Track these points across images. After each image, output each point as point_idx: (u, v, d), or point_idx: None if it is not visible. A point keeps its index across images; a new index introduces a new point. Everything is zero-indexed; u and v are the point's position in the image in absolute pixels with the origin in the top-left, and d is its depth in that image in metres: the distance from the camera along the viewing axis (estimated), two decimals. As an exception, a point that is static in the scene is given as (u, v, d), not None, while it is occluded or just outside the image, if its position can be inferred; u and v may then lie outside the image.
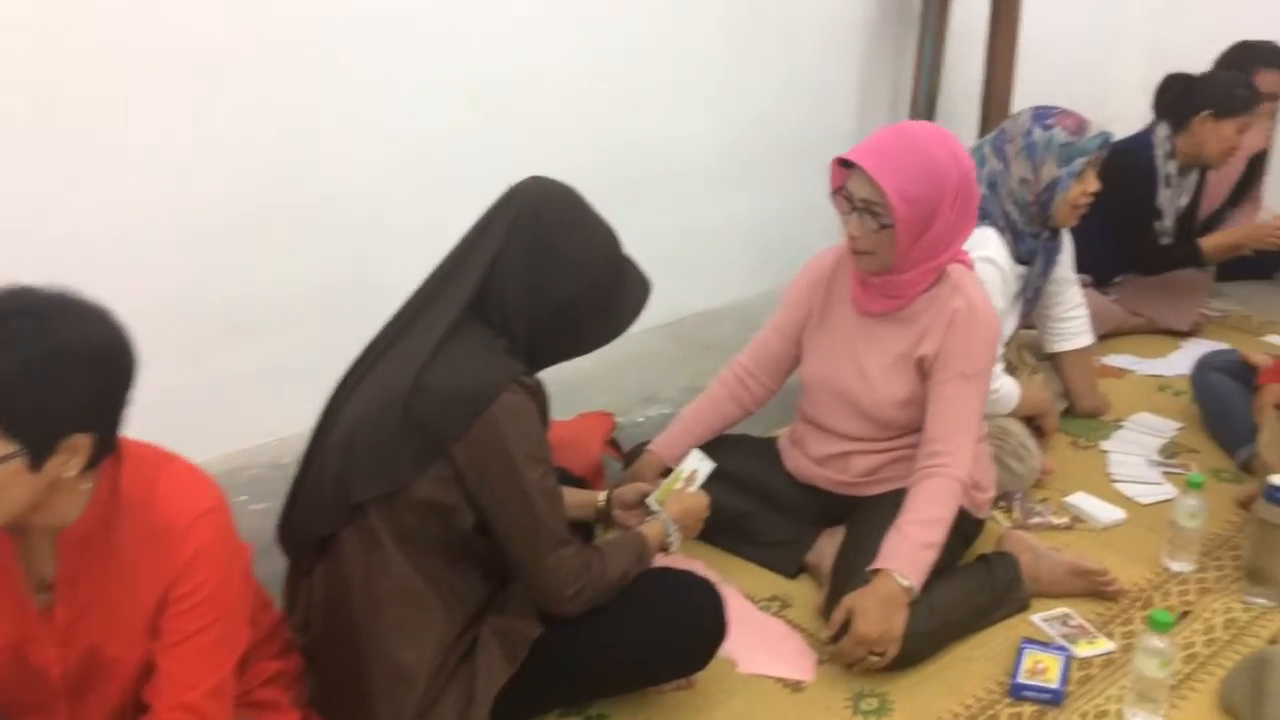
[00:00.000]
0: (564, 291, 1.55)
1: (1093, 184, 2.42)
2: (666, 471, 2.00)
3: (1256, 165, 3.74)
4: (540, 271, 1.54)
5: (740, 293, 3.41)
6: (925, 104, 3.51)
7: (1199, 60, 3.35)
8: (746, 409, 2.26)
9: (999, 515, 2.35)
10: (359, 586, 1.53)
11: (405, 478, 1.50)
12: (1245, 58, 3.47)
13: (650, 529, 1.77)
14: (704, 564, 2.14)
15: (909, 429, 2.05)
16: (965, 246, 2.18)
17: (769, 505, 2.19)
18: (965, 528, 2.05)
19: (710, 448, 2.12)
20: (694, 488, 1.93)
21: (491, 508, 1.52)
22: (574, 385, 2.62)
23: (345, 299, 2.44)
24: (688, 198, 3.24)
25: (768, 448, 2.28)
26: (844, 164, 1.91)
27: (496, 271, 1.54)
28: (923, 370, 1.99)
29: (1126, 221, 3.19)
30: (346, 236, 2.50)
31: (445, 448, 1.48)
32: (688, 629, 1.69)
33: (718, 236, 3.36)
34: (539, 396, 1.58)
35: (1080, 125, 2.39)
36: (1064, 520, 2.36)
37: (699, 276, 3.34)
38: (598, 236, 1.60)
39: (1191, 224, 3.37)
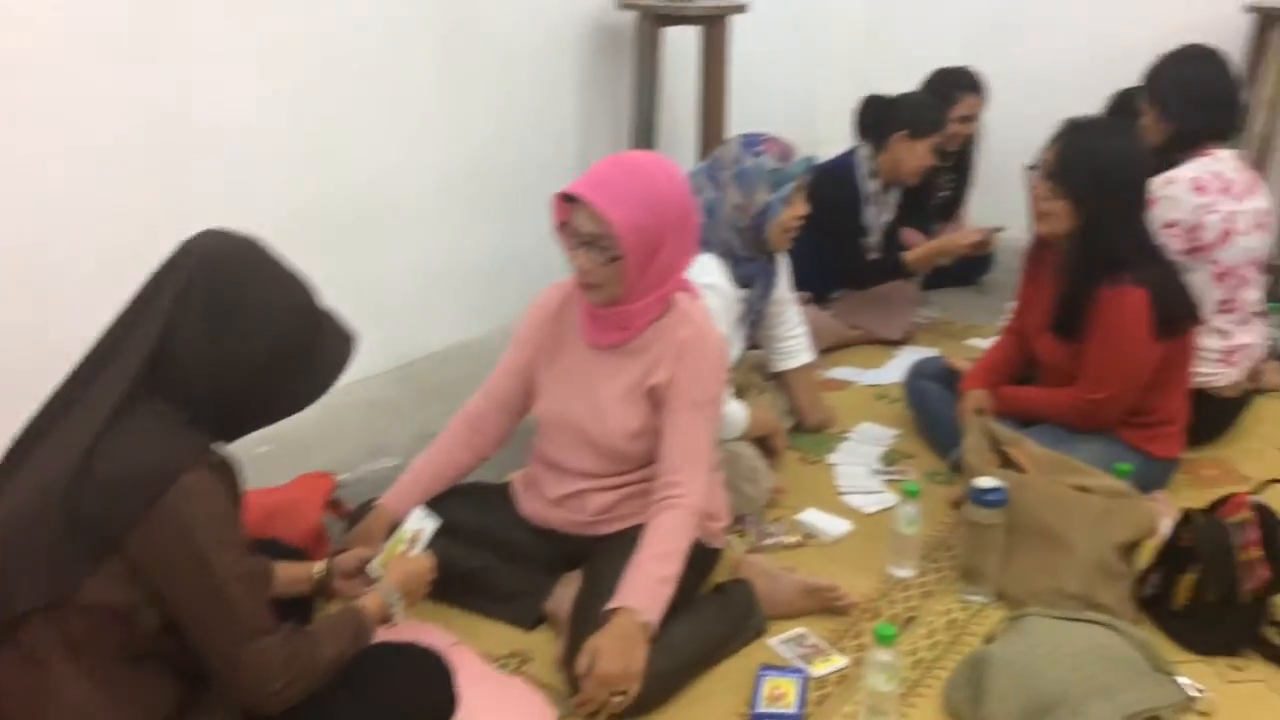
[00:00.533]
0: (251, 355, 1.41)
1: (801, 207, 2.50)
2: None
3: (961, 182, 4.03)
4: (222, 335, 1.39)
5: (472, 331, 3.33)
6: (644, 131, 3.56)
7: (897, 84, 3.57)
8: (481, 455, 2.18)
9: (734, 539, 2.37)
10: (23, 716, 1.33)
11: (71, 583, 1.31)
12: (946, 83, 3.74)
13: (370, 601, 1.65)
14: (439, 626, 2.04)
15: (642, 462, 2.03)
16: (687, 274, 2.21)
17: (504, 556, 2.11)
18: (701, 559, 2.05)
19: (440, 499, 2.04)
20: (418, 549, 1.83)
21: (178, 603, 1.36)
22: (292, 444, 2.46)
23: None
24: (408, 236, 3.13)
25: (501, 494, 2.21)
26: (567, 198, 1.87)
27: (171, 338, 1.37)
28: (655, 401, 1.98)
29: (837, 239, 3.35)
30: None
31: (117, 542, 1.31)
32: (413, 708, 1.59)
33: (444, 274, 3.27)
34: (227, 473, 1.44)
35: (786, 151, 2.47)
36: (796, 538, 2.41)
37: (427, 317, 3.24)
38: (286, 291, 1.47)
39: (895, 238, 3.58)
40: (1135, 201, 2.39)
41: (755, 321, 2.67)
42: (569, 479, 2.07)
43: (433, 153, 3.14)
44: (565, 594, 2.05)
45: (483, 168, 3.29)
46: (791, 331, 2.80)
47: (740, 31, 3.56)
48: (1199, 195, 2.61)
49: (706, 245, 2.45)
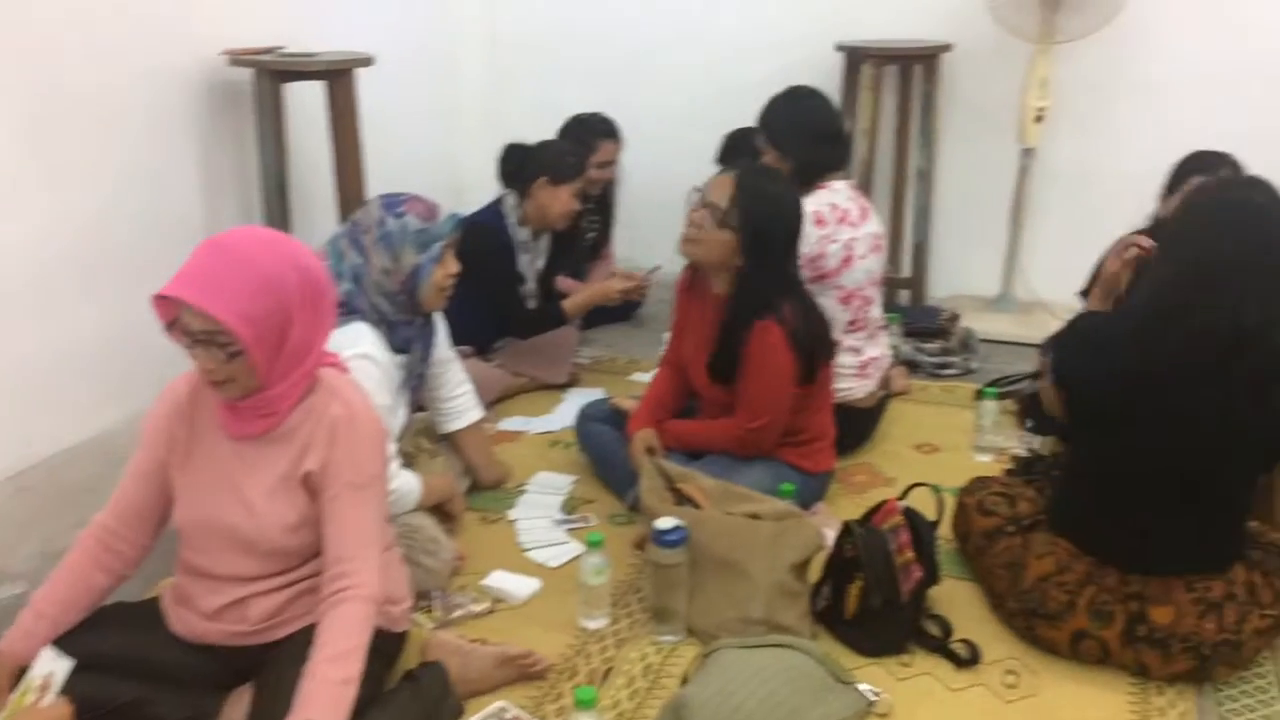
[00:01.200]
0: None
1: (453, 266, 2.44)
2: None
3: (605, 222, 4.13)
4: None
5: (99, 424, 2.98)
6: (276, 194, 3.36)
7: (535, 130, 3.59)
8: (119, 575, 1.92)
9: (421, 618, 2.26)
10: None
11: None
12: (584, 130, 3.82)
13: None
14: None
15: (308, 555, 1.86)
16: (338, 345, 2.05)
17: (160, 682, 1.86)
18: (385, 647, 1.92)
19: (73, 632, 1.79)
20: (50, 696, 1.58)
21: None
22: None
23: None
24: (12, 325, 2.75)
25: (148, 613, 1.95)
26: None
27: None
28: (311, 488, 1.82)
29: (495, 290, 3.32)
30: None
31: None
32: None
33: (62, 362, 2.91)
34: None
35: (431, 210, 2.39)
36: (485, 605, 2.33)
37: (45, 412, 2.86)
38: None
39: (551, 284, 3.61)
40: (791, 245, 2.52)
41: (417, 385, 2.56)
42: (225, 587, 1.87)
43: (24, 232, 2.78)
44: (236, 714, 1.85)
45: (92, 243, 2.96)
46: (456, 390, 2.72)
47: (368, 84, 3.44)
48: (819, 228, 2.81)
49: (356, 313, 2.33)
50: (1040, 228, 4.11)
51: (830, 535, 2.27)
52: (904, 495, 2.26)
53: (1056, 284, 3.88)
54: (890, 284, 4.33)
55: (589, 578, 2.23)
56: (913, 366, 3.63)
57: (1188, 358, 1.92)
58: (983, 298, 4.21)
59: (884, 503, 2.22)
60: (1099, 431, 2.10)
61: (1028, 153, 3.92)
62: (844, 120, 3.04)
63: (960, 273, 4.32)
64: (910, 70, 4.04)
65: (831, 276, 2.85)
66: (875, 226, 2.98)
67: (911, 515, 2.19)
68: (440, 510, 2.54)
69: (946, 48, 3.95)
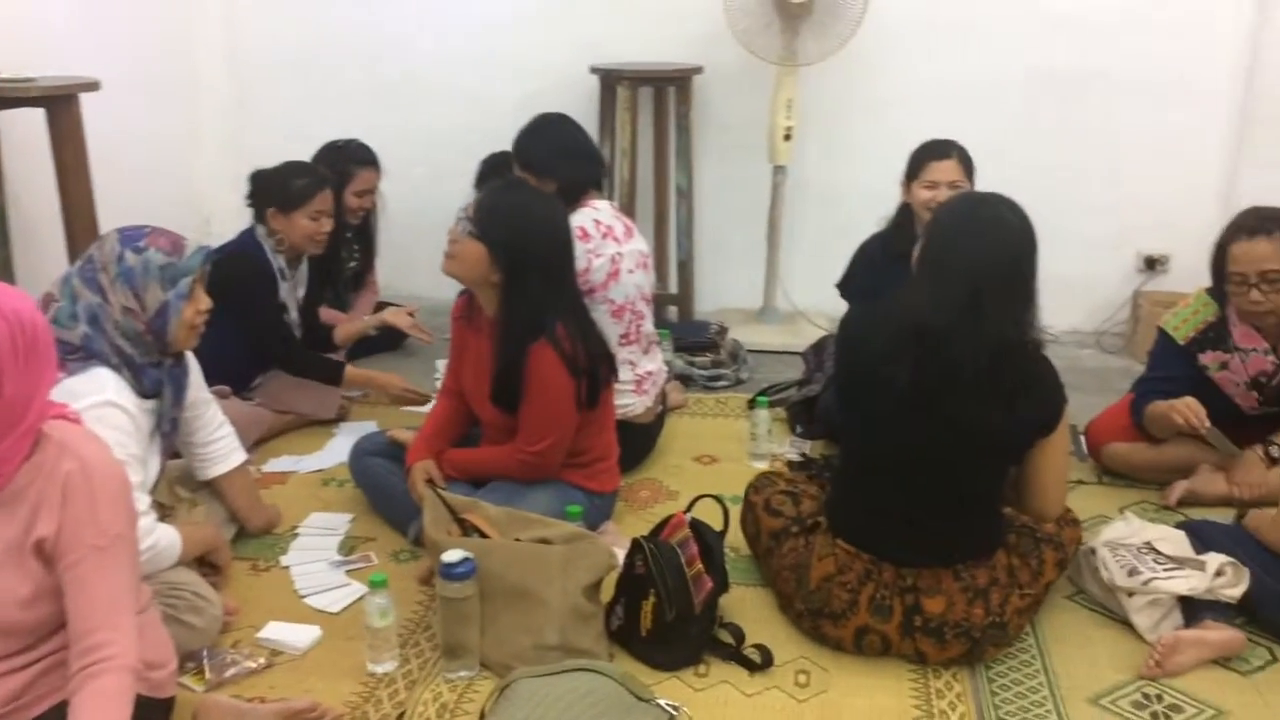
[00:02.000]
0: None
1: (204, 301, 2.27)
2: None
3: (366, 251, 3.99)
4: None
5: None
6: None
7: (279, 155, 3.42)
8: None
9: (190, 681, 2.08)
10: None
11: None
12: (339, 159, 3.67)
13: None
14: None
15: (52, 628, 1.67)
16: (77, 394, 1.91)
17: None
18: (151, 717, 1.75)
19: None
20: None
21: None
22: None
23: None
24: None
25: None
26: None
27: None
28: (45, 556, 1.63)
29: (257, 324, 3.14)
30: None
31: None
32: None
33: None
34: None
35: (176, 243, 2.22)
36: (261, 660, 2.17)
37: None
38: None
39: (314, 316, 3.44)
40: (553, 259, 2.49)
41: (171, 431, 2.37)
42: (-42, 671, 1.65)
43: None
44: (-23, 816, 1.63)
45: None
46: (215, 434, 2.53)
47: (97, 110, 3.18)
48: (584, 242, 2.82)
49: (96, 357, 2.12)
50: (796, 241, 4.29)
51: (621, 554, 2.26)
52: (690, 508, 2.28)
53: (813, 294, 4.09)
54: (659, 301, 4.42)
55: (374, 620, 2.12)
56: (686, 380, 3.70)
57: (954, 371, 2.02)
58: (747, 310, 4.35)
59: (671, 517, 2.24)
60: (864, 431, 2.19)
61: (779, 170, 4.09)
62: (590, 141, 3.06)
63: (725, 287, 4.45)
64: (664, 92, 4.14)
65: (599, 290, 2.86)
66: (640, 244, 3.03)
67: (698, 527, 2.22)
68: (205, 562, 2.37)
69: (697, 70, 4.07)
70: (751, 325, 4.23)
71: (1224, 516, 2.54)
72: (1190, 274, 4.07)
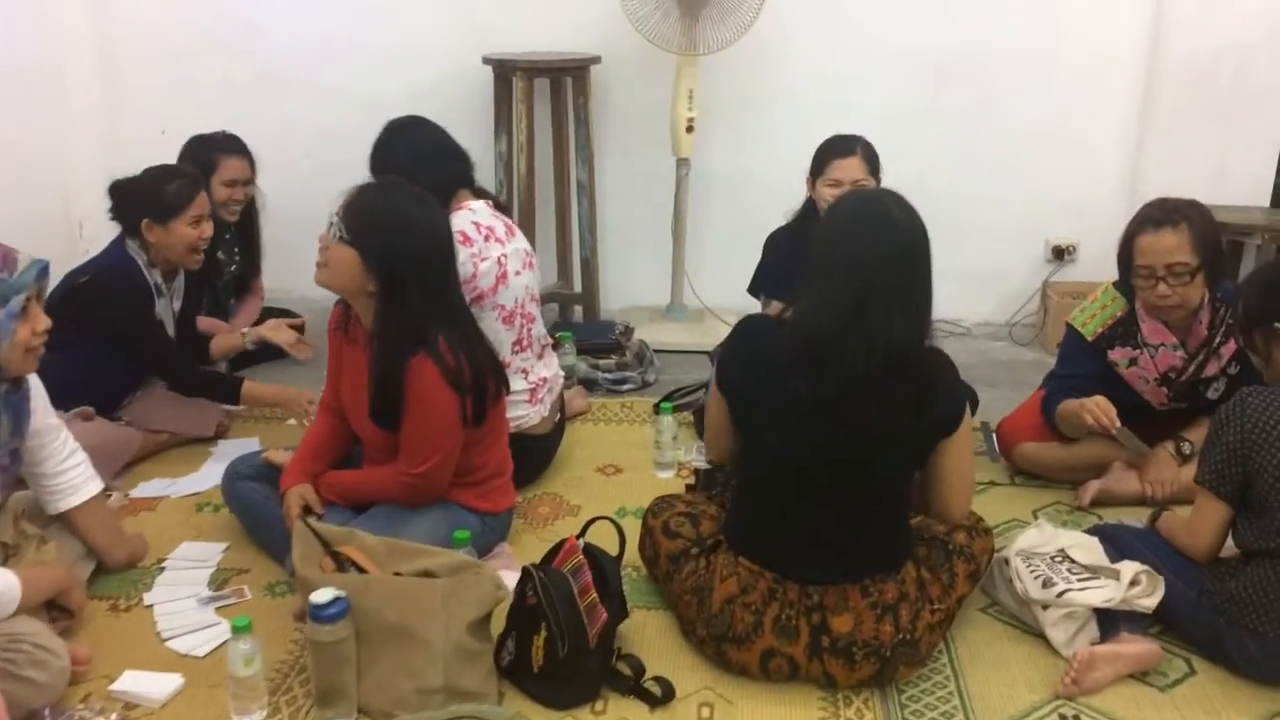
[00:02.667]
0: None
1: (42, 321, 2.05)
2: None
3: (249, 254, 3.74)
4: None
5: None
6: None
7: (155, 153, 3.19)
8: None
9: (31, 746, 1.88)
10: None
11: None
12: (205, 150, 3.44)
13: None
14: None
15: None
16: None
17: None
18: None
19: None
20: None
21: None
22: None
23: None
24: None
25: None
26: None
27: None
28: None
29: (139, 345, 2.92)
30: None
31: None
32: None
33: None
34: None
35: (6, 257, 2.00)
36: (113, 716, 1.97)
37: None
38: None
39: (191, 327, 3.21)
40: (430, 266, 2.31)
41: (10, 464, 2.15)
42: None
43: None
44: None
45: None
46: (65, 463, 2.30)
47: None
48: (466, 246, 2.64)
49: (-84, 386, 1.90)
50: (703, 236, 4.17)
51: (514, 579, 2.10)
52: (584, 532, 2.13)
53: (722, 290, 3.95)
54: (563, 300, 4.26)
55: (237, 668, 1.93)
56: (590, 385, 3.54)
57: (849, 376, 1.91)
58: (654, 308, 4.21)
59: (564, 542, 2.09)
60: (761, 444, 2.07)
61: (683, 163, 3.95)
62: (452, 137, 2.87)
63: (631, 284, 4.31)
64: (561, 83, 3.97)
65: (488, 295, 2.69)
66: (523, 243, 2.86)
67: (593, 552, 2.07)
68: (56, 606, 2.15)
69: (595, 59, 3.92)
70: (659, 324, 4.09)
71: (1138, 517, 2.48)
72: (1097, 264, 4.10)
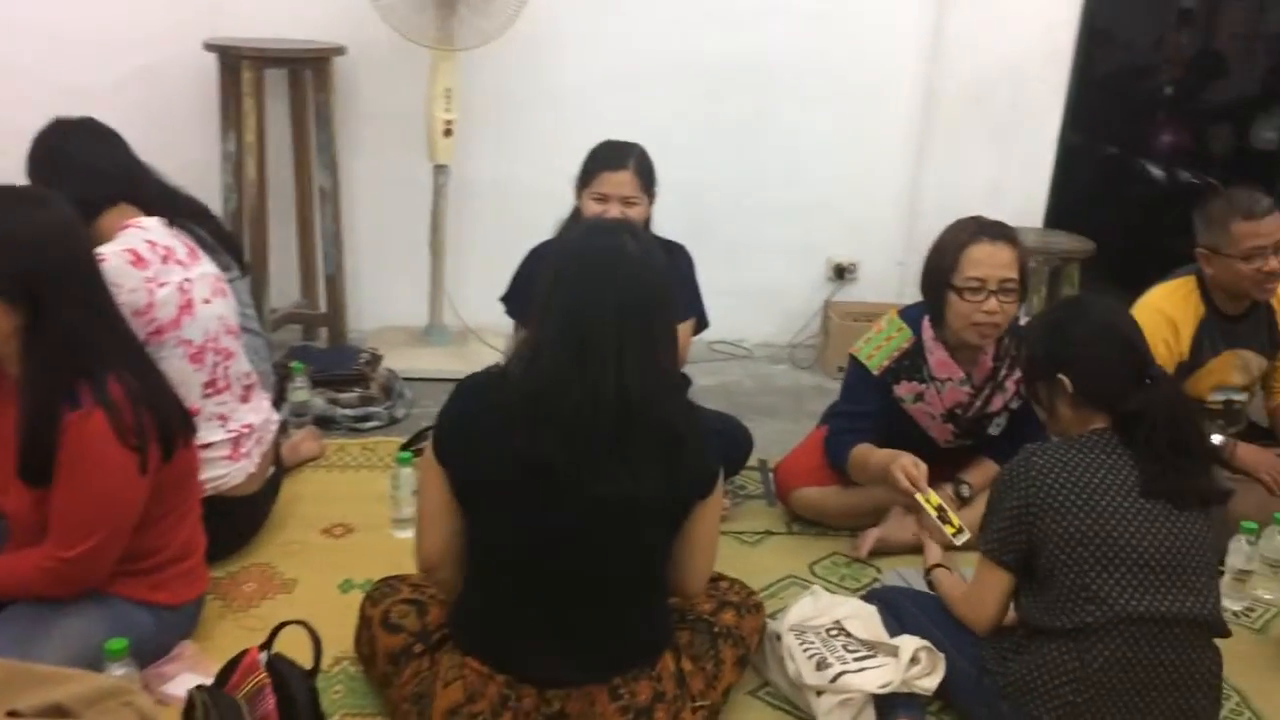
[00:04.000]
0: None
1: None
2: None
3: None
4: None
5: None
6: None
7: None
8: None
9: None
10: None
11: None
12: None
13: None
14: None
15: None
16: None
17: None
18: None
19: None
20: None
21: None
22: None
23: None
24: None
25: None
26: None
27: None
28: None
29: None
30: None
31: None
32: None
33: None
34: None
35: None
36: None
37: None
38: None
39: None
40: (89, 289, 1.86)
41: None
42: None
43: None
44: None
45: None
46: None
47: None
48: (140, 268, 2.17)
49: None
50: (466, 249, 3.78)
51: (181, 694, 1.68)
52: (269, 642, 1.73)
53: (487, 309, 3.54)
54: (307, 322, 3.80)
55: None
56: (326, 423, 3.10)
57: (579, 434, 1.61)
58: (411, 329, 3.80)
59: (242, 656, 1.68)
60: (489, 521, 1.73)
61: (441, 170, 3.56)
62: (121, 145, 2.40)
63: (384, 303, 3.88)
64: (300, 75, 3.50)
65: (170, 329, 2.20)
66: (210, 266, 2.38)
67: (279, 668, 1.68)
68: None
69: (339, 50, 3.46)
70: (416, 348, 3.68)
71: (917, 563, 2.29)
72: (878, 283, 3.98)
